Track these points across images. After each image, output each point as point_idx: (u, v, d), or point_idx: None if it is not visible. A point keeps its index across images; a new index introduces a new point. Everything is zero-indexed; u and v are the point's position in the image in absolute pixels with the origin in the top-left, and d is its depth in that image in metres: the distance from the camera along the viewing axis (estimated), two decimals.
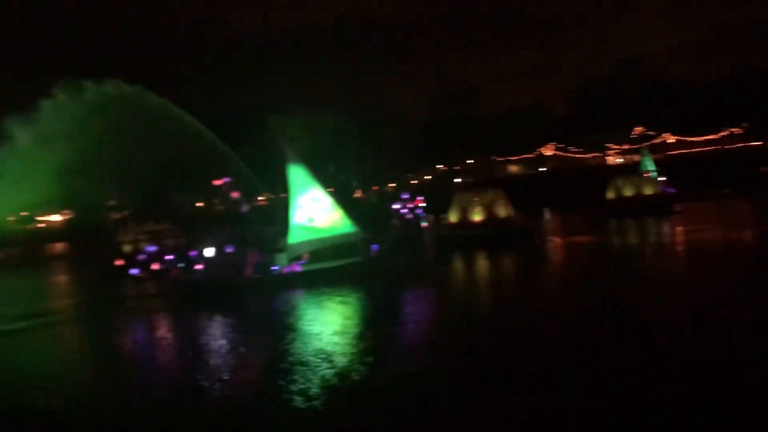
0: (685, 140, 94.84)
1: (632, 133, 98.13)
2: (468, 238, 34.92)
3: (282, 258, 26.10)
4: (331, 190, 31.74)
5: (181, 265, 25.54)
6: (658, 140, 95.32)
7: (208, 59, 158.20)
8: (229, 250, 26.14)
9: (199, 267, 25.48)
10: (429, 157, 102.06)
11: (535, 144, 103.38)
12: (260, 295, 23.97)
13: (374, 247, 27.77)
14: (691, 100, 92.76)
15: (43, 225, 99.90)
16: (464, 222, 37.35)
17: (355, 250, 27.59)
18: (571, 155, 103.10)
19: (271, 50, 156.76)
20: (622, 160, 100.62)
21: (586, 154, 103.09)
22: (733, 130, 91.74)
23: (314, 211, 27.27)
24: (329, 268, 26.42)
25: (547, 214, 56.08)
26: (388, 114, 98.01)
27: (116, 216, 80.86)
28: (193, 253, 25.70)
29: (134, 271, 25.43)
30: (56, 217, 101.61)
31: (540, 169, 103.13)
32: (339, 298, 22.36)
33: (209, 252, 25.78)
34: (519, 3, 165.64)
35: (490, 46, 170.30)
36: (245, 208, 26.98)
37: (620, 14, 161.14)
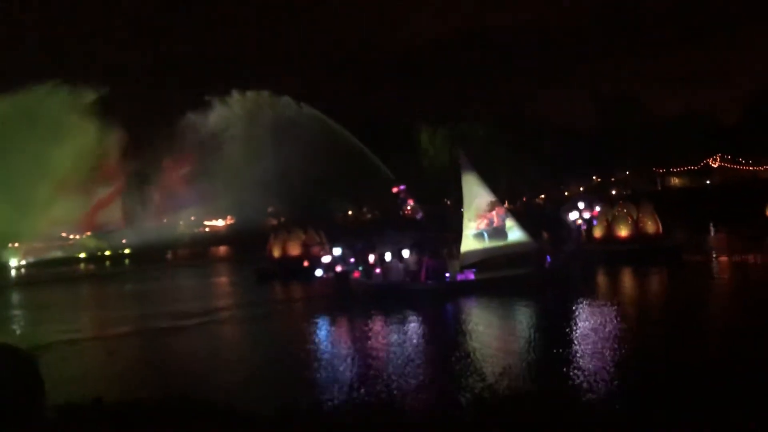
0: None
1: None
2: (613, 253, 33.07)
3: (455, 265, 26.52)
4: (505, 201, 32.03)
5: (360, 268, 26.44)
6: None
7: (358, 69, 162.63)
8: (406, 255, 26.63)
9: (377, 271, 26.34)
10: (584, 169, 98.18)
11: (702, 155, 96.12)
12: (437, 300, 24.63)
13: (548, 258, 27.53)
14: None
15: (209, 229, 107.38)
16: (608, 237, 35.49)
17: (529, 260, 27.49)
18: (742, 167, 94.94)
19: (418, 59, 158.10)
20: None
21: (760, 166, 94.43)
22: None
23: (487, 219, 27.47)
24: (502, 277, 26.57)
25: (712, 231, 51.88)
26: (542, 123, 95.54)
27: (273, 222, 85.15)
28: (371, 257, 26.44)
29: (319, 273, 26.28)
30: (220, 222, 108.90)
31: (707, 182, 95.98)
32: (514, 308, 22.82)
33: (388, 257, 26.48)
34: (686, 2, 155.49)
35: (655, 50, 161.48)
36: (420, 215, 27.89)
37: None
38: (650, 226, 35.40)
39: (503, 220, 27.65)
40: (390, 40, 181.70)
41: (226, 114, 39.46)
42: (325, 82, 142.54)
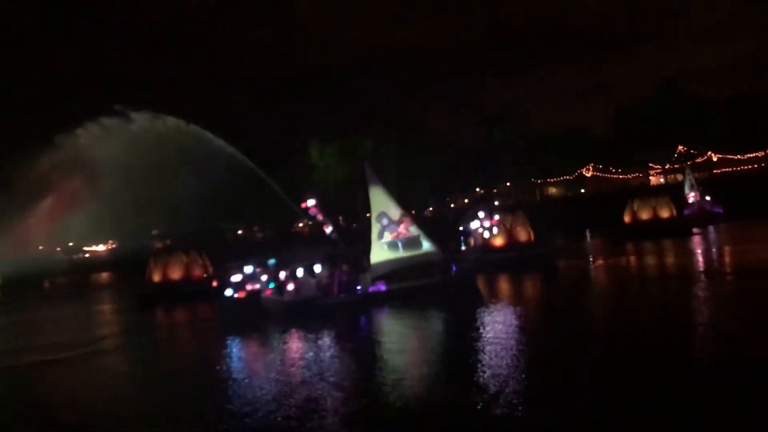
0: (731, 158, 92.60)
1: (675, 152, 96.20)
2: (489, 261, 34.08)
3: (366, 278, 26.66)
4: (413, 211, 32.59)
5: (272, 285, 25.85)
6: (701, 159, 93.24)
7: (246, 89, 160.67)
8: (317, 270, 26.40)
9: (290, 288, 25.85)
10: (468, 181, 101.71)
11: (576, 165, 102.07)
12: (351, 313, 24.75)
13: (453, 267, 28.16)
14: (737, 117, 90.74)
15: (89, 255, 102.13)
16: (485, 245, 36.05)
17: (435, 269, 27.93)
18: (612, 176, 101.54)
19: (314, 80, 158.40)
20: (663, 180, 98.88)
21: (628, 174, 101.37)
22: None
23: (394, 231, 27.80)
24: (412, 287, 26.96)
25: (588, 237, 55.11)
26: (428, 139, 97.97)
27: (158, 245, 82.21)
28: (282, 273, 25.90)
29: (228, 292, 25.38)
30: (101, 247, 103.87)
31: (581, 191, 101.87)
32: (426, 316, 23.71)
33: (300, 272, 26.12)
34: (559, 24, 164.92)
35: (531, 68, 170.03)
36: (330, 229, 27.46)
37: (661, 33, 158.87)
38: (522, 235, 37.18)
39: (412, 232, 28.10)
40: (286, 62, 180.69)
41: (106, 135, 37.66)
42: (222, 104, 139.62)
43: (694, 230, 46.05)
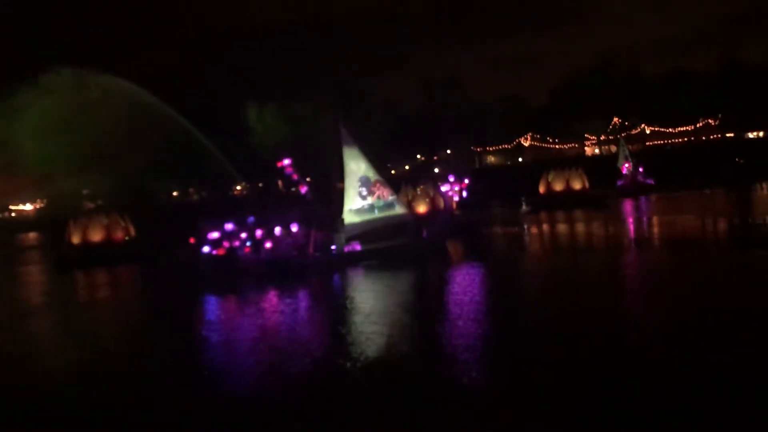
0: (663, 131, 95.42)
1: (610, 124, 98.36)
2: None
3: (340, 238, 27.33)
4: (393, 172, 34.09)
5: (249, 243, 26.16)
6: (636, 131, 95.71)
7: (186, 49, 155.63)
8: (294, 230, 26.80)
9: (267, 245, 26.18)
10: (411, 148, 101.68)
11: (515, 134, 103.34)
12: (325, 272, 25.62)
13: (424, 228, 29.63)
14: (670, 91, 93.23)
15: (15, 214, 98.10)
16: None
17: (407, 231, 29.08)
18: (549, 146, 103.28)
19: (252, 40, 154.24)
20: (598, 151, 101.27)
21: (564, 144, 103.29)
22: (710, 120, 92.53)
23: (374, 194, 28.83)
24: (386, 248, 27.92)
25: (524, 204, 56.19)
26: (369, 105, 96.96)
27: (90, 206, 79.44)
28: (260, 232, 26.22)
29: (206, 249, 25.59)
30: (28, 207, 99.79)
31: (519, 160, 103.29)
32: (397, 275, 24.60)
33: (277, 231, 26.51)
34: None
35: (471, 37, 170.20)
36: (305, 189, 28.16)
37: (602, 6, 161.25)
38: (427, 205, 37.58)
39: (388, 195, 29.27)
40: (230, 24, 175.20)
41: (37, 93, 35.92)
42: (156, 63, 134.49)
43: (606, 201, 47.90)
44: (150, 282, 30.23)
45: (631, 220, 39.18)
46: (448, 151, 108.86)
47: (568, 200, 47.86)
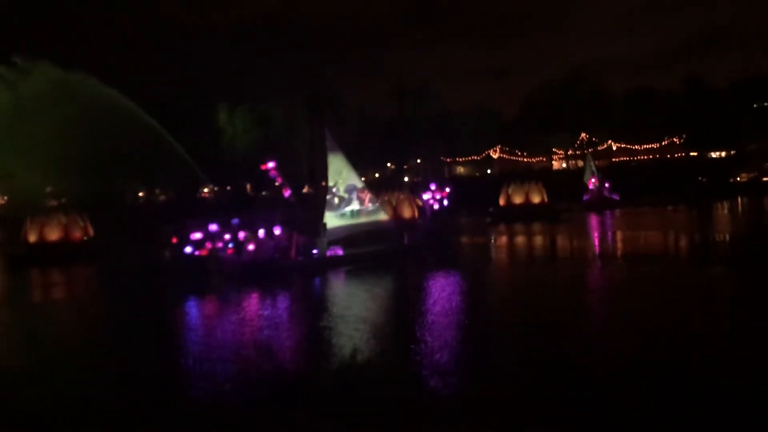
0: (629, 148, 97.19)
1: (578, 139, 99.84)
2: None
3: (322, 242, 27.40)
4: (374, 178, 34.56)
5: (231, 245, 25.87)
6: (602, 147, 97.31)
7: (157, 47, 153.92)
8: (276, 232, 26.65)
9: (249, 247, 25.96)
10: (380, 156, 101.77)
11: (484, 146, 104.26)
12: (307, 276, 25.75)
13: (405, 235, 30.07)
14: (636, 109, 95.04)
15: None
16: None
17: (388, 237, 29.53)
18: (518, 158, 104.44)
19: (223, 41, 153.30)
20: (565, 165, 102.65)
21: (533, 158, 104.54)
22: (675, 139, 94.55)
23: (350, 197, 29.11)
24: (367, 253, 28.20)
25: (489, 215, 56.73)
26: (338, 110, 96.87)
27: (53, 203, 77.95)
28: (242, 234, 25.96)
29: (188, 250, 25.06)
30: None
31: (488, 171, 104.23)
32: (380, 280, 24.66)
33: (260, 233, 26.36)
34: (475, 3, 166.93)
35: (441, 45, 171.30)
36: (287, 192, 28.29)
37: (572, 21, 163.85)
38: (407, 212, 37.81)
39: (373, 203, 29.78)
40: (199, 22, 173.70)
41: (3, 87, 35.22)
42: (128, 64, 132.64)
43: (561, 216, 48.61)
44: (113, 282, 29.76)
45: (593, 234, 39.87)
46: (419, 161, 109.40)
47: (526, 213, 48.64)
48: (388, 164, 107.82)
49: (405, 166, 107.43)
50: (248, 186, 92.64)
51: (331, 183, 29.13)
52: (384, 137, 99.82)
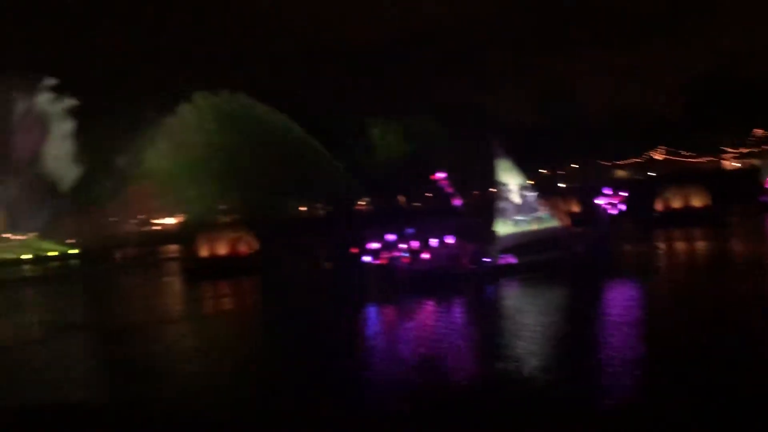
0: None
1: (751, 135, 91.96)
2: None
3: (494, 250, 27.60)
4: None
5: (406, 254, 26.91)
6: None
7: (307, 67, 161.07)
8: (448, 241, 27.33)
9: (424, 256, 26.80)
10: (531, 162, 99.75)
11: (644, 147, 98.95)
12: (485, 284, 26.16)
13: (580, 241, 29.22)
14: None
15: (159, 228, 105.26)
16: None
17: (561, 244, 28.62)
18: (683, 159, 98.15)
19: (371, 58, 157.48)
20: (739, 164, 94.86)
21: (699, 158, 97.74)
22: None
23: (525, 203, 28.77)
24: (541, 261, 27.54)
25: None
26: (481, 118, 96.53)
27: (225, 220, 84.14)
28: (416, 243, 26.88)
29: (367, 259, 26.73)
30: (171, 220, 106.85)
31: (648, 174, 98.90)
32: (555, 290, 24.59)
33: (434, 242, 27.08)
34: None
35: (589, 46, 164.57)
36: (458, 201, 28.88)
37: (723, 10, 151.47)
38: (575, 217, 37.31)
39: (535, 206, 29.20)
40: (342, 40, 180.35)
41: (195, 115, 38.92)
42: (280, 81, 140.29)
43: (728, 220, 45.03)
44: (284, 292, 31.47)
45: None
46: (574, 165, 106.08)
47: (688, 217, 45.39)
48: (540, 170, 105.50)
49: (558, 171, 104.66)
50: (401, 198, 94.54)
51: (501, 190, 28.94)
52: (529, 143, 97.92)
